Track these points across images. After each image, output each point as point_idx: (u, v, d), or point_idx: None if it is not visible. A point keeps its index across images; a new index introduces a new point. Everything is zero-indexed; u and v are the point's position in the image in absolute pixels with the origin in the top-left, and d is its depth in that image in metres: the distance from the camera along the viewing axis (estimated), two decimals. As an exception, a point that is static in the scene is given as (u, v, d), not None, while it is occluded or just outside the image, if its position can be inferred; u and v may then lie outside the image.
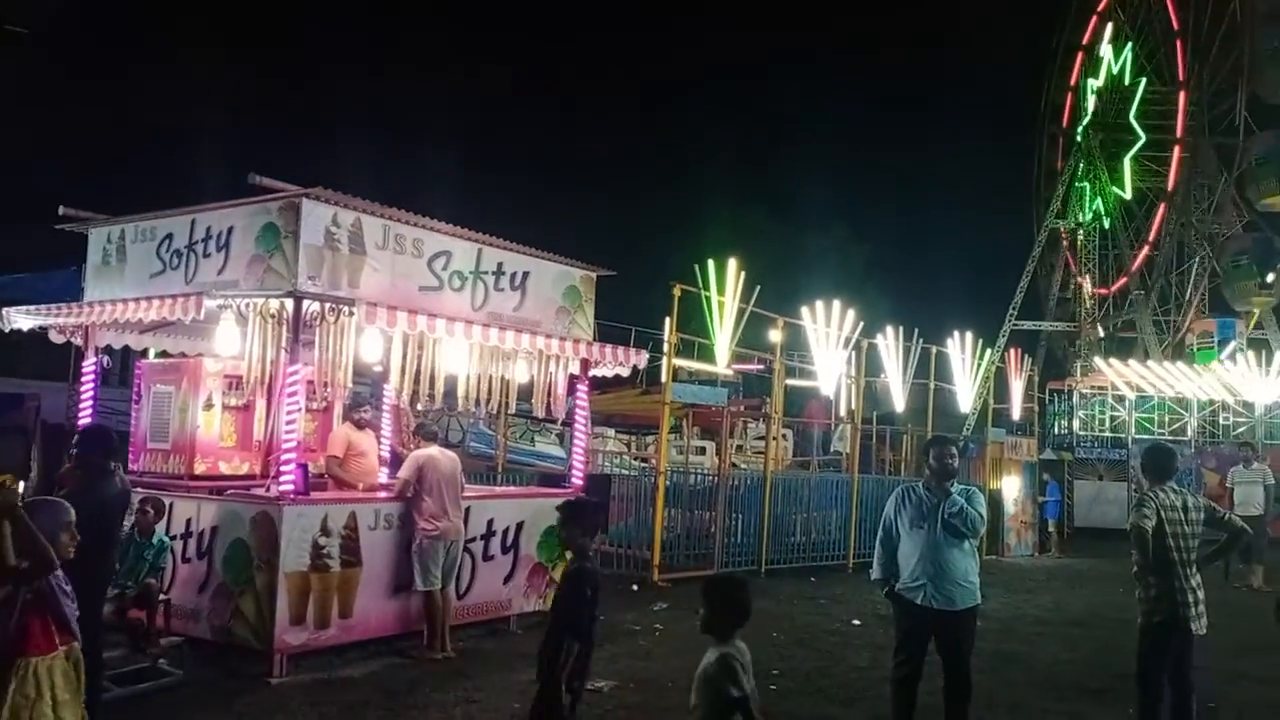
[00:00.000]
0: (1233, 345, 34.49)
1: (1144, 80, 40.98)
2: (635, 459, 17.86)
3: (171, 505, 7.61)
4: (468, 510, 8.52)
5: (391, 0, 55.99)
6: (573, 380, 9.87)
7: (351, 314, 7.40)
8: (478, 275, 8.69)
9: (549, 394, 9.60)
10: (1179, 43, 40.20)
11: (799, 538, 14.78)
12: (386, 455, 10.07)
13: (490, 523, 8.87)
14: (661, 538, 12.40)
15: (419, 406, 9.37)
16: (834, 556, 14.92)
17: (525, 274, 9.16)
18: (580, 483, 9.95)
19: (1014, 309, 39.95)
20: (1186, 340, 37.57)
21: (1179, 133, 39.66)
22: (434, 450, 8.33)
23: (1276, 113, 35.67)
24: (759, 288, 14.98)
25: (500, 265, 8.92)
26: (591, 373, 9.98)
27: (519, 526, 9.10)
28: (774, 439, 16.53)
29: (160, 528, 7.29)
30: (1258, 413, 25.84)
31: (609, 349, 9.81)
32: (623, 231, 43.64)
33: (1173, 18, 40.54)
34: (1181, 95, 39.65)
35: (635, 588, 11.65)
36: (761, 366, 18.65)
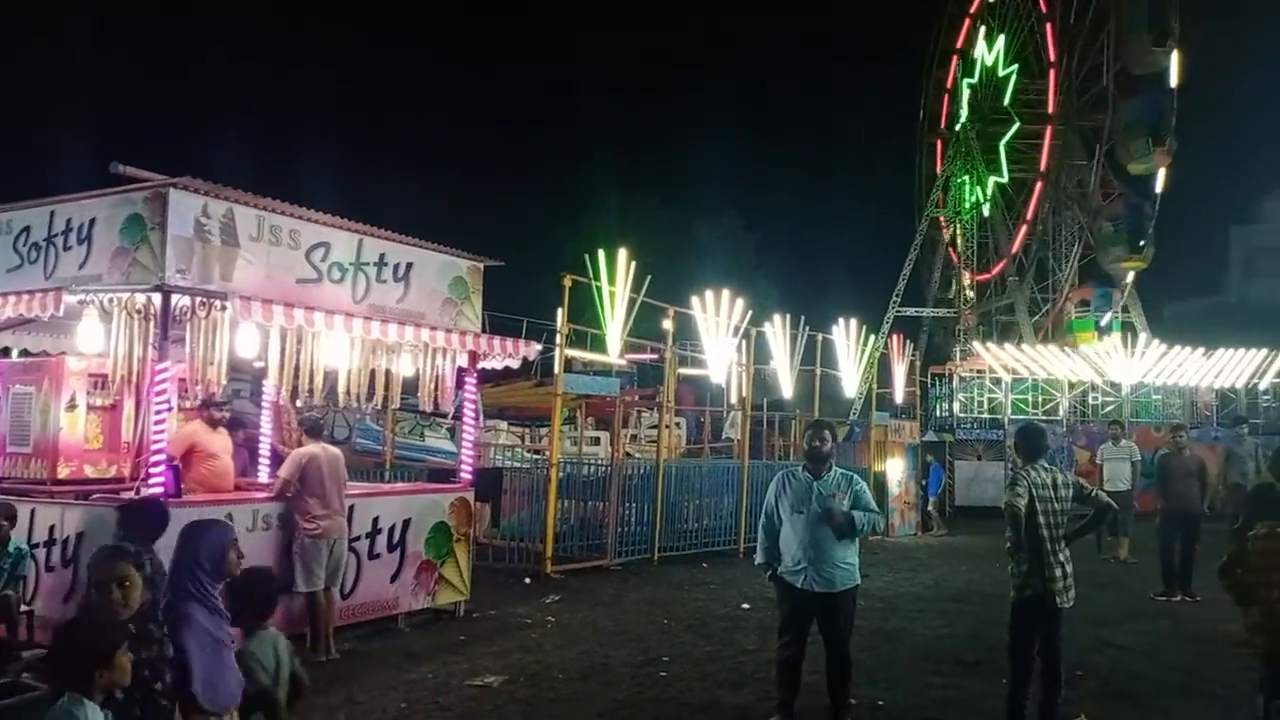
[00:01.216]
0: (1109, 315, 36.21)
1: (1016, 67, 42.72)
2: (529, 451, 17.76)
3: (33, 511, 7.22)
4: (351, 508, 8.33)
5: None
6: (461, 373, 9.73)
7: (224, 308, 7.14)
8: (359, 267, 8.49)
9: (436, 387, 9.43)
10: (1049, 25, 41.92)
11: (692, 524, 14.94)
12: (266, 454, 9.78)
13: (376, 520, 8.69)
14: (555, 529, 12.36)
15: (298, 403, 9.09)
16: (726, 541, 15.12)
17: (409, 265, 8.98)
18: (469, 477, 9.84)
19: (897, 296, 41.28)
20: (1065, 311, 39.16)
21: (1051, 110, 41.34)
22: (316, 448, 8.11)
23: (1144, 84, 37.29)
24: (650, 277, 15.04)
25: (383, 256, 8.72)
26: (481, 365, 9.85)
27: (406, 524, 8.94)
28: (666, 427, 16.66)
29: (19, 536, 6.91)
30: (1124, 392, 27.20)
31: (498, 341, 9.70)
32: (516, 223, 43.39)
33: (1050, 46, 42.21)
34: (1052, 75, 41.36)
35: (528, 581, 11.59)
36: (654, 356, 18.75)
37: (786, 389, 18.29)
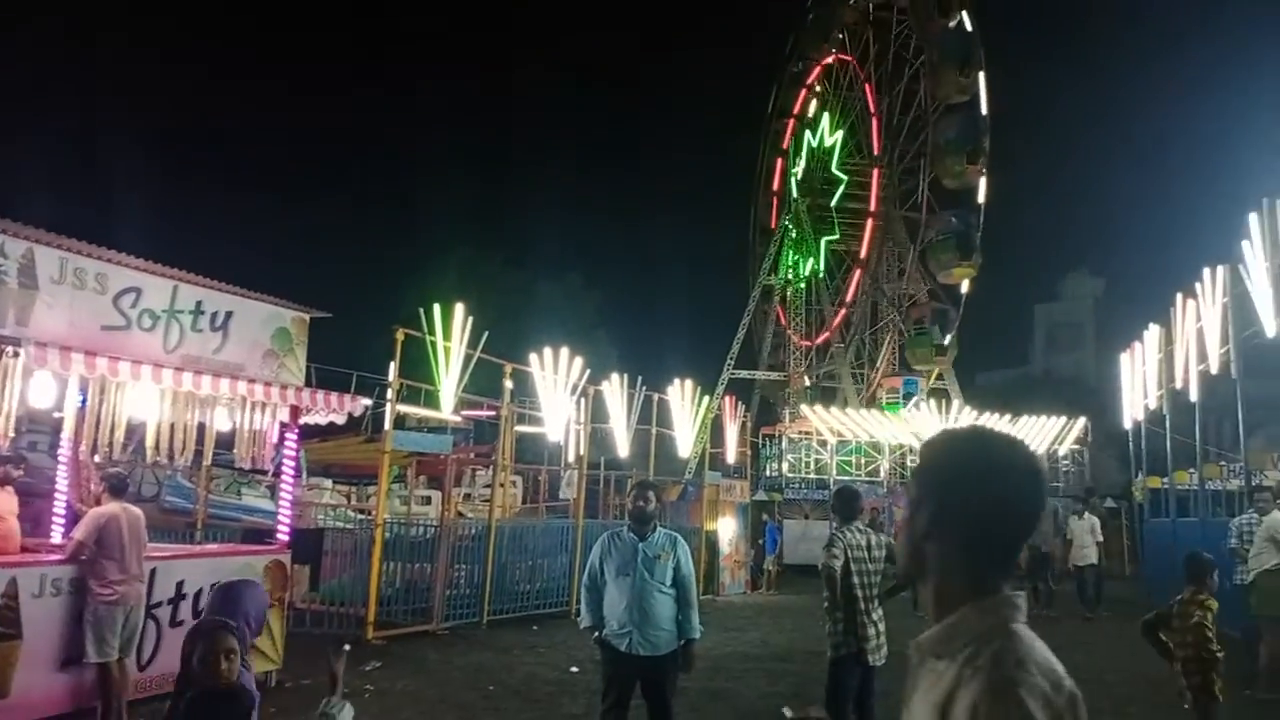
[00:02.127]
0: (915, 399, 38.44)
1: (840, 135, 45.37)
2: (355, 511, 17.11)
3: None
4: (154, 571, 7.78)
5: (102, 22, 51.62)
6: (283, 428, 9.31)
7: (18, 354, 6.61)
8: (173, 314, 8.05)
9: (255, 443, 8.99)
10: (875, 121, 44.85)
11: (524, 586, 14.69)
12: (63, 513, 9.03)
13: (180, 585, 8.14)
14: (378, 593, 11.90)
15: (97, 458, 8.46)
16: (559, 603, 14.95)
17: (228, 314, 8.59)
18: (287, 538, 9.37)
19: (731, 359, 42.41)
20: (877, 395, 41.42)
21: (872, 206, 44.07)
22: (116, 507, 7.53)
23: (958, 194, 40.30)
24: (487, 333, 14.92)
25: (199, 304, 8.31)
26: (304, 420, 9.47)
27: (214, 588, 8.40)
28: (501, 486, 16.42)
29: None
30: (939, 455, 28.73)
31: (322, 395, 9.35)
32: (352, 274, 42.31)
33: (870, 100, 45.24)
34: (876, 172, 44.14)
35: (348, 647, 11.05)
36: (492, 413, 18.52)
37: (623, 448, 18.41)
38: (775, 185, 50.47)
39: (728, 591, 18.80)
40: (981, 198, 39.23)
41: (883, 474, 28.29)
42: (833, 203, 44.54)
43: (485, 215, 56.21)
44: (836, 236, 44.85)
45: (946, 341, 39.40)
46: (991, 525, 1.52)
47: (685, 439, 20.20)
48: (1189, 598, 6.19)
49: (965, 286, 39.83)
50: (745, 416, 24.46)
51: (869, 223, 44.22)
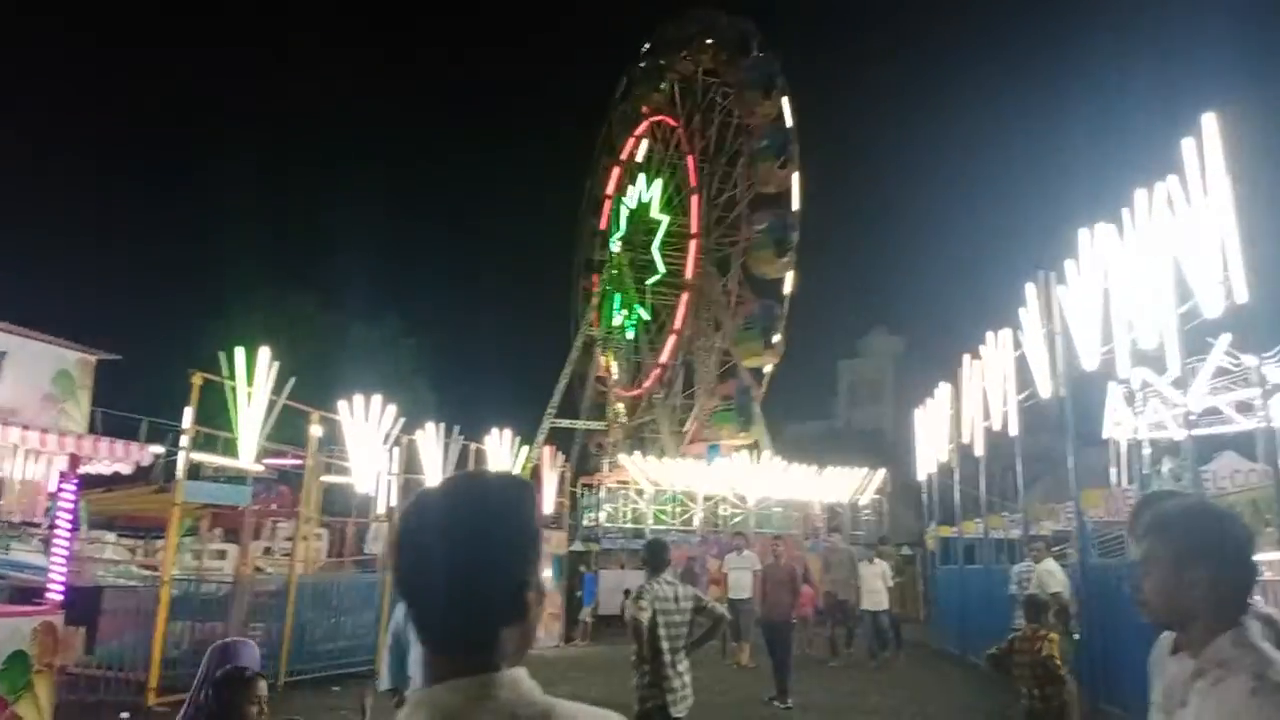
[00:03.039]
0: (717, 460, 40.01)
1: (661, 182, 46.81)
2: (141, 566, 15.89)
3: None
4: (-105, 639, 6.95)
5: None
6: (62, 478, 8.58)
7: None
8: (-68, 353, 7.32)
9: (27, 494, 8.24)
10: (695, 198, 46.41)
11: (325, 644, 14.01)
12: None
13: (-71, 653, 7.31)
14: (163, 655, 11.05)
15: None
16: (363, 662, 14.31)
17: (2, 354, 7.89)
18: (60, 597, 8.59)
19: (553, 408, 42.42)
20: (708, 409, 42.77)
21: (689, 275, 45.54)
22: None
23: (774, 199, 42.54)
24: (294, 379, 14.31)
25: (-34, 343, 7.60)
26: (87, 469, 8.76)
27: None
28: (304, 539, 15.66)
29: None
30: (750, 504, 29.55)
31: (105, 443, 8.68)
32: (152, 317, 39.82)
33: (691, 174, 46.75)
34: (694, 244, 45.65)
35: (125, 716, 10.22)
36: (297, 462, 17.71)
37: (436, 499, 17.95)
38: (602, 221, 51.23)
39: (542, 643, 18.57)
40: (788, 289, 42.11)
41: (696, 523, 28.80)
42: (649, 281, 45.99)
43: (295, 255, 54.28)
44: (648, 318, 46.19)
45: (775, 339, 41.31)
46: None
47: (502, 489, 19.89)
48: (1030, 634, 7.06)
49: (788, 286, 42.12)
50: (565, 466, 24.43)
51: (684, 295, 45.69)
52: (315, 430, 15.20)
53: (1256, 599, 2.45)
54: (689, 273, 45.67)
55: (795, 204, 41.61)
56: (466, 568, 1.35)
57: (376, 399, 16.09)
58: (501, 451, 19.68)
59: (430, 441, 17.62)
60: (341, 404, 15.79)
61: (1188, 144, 8.99)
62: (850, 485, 30.79)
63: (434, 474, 17.67)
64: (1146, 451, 16.33)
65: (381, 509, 17.97)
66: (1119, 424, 17.59)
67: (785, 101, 41.96)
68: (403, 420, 16.58)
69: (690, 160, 46.59)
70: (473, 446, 18.70)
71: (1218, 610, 2.09)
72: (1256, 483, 12.82)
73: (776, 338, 41.57)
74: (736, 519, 29.84)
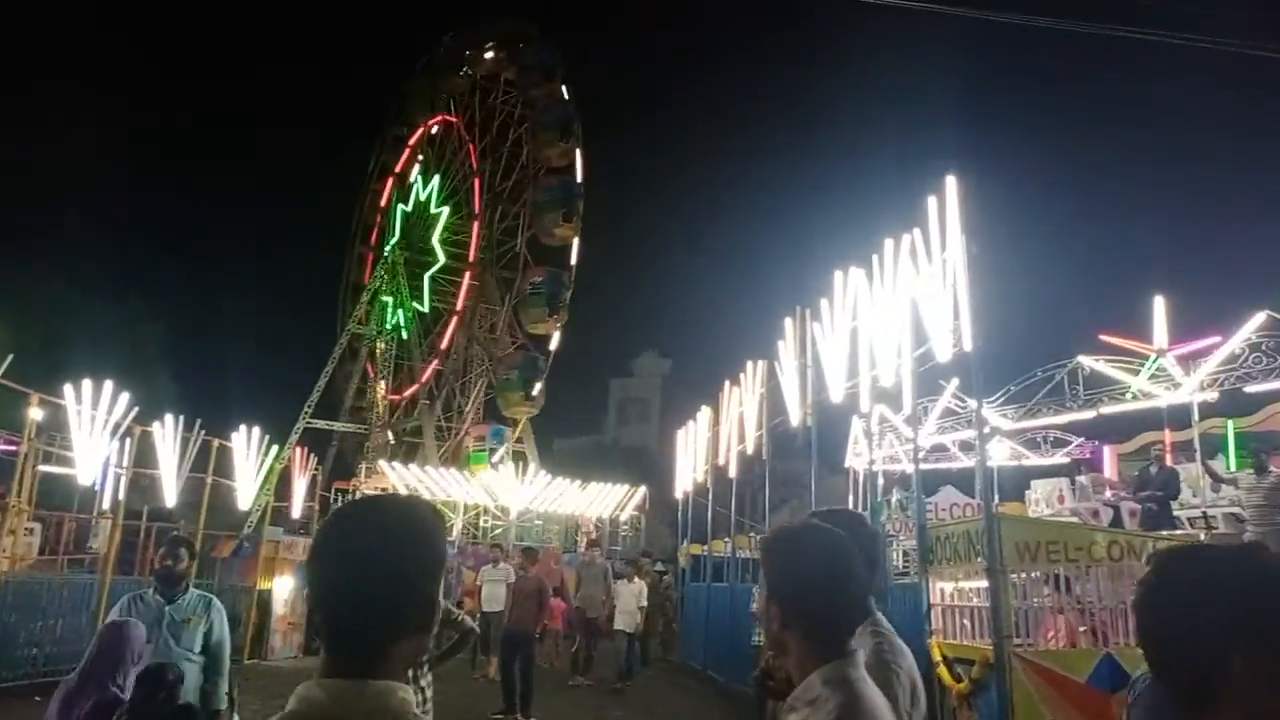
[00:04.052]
0: (502, 450, 39.51)
1: (447, 209, 45.94)
2: None
3: None
4: None
5: None
6: None
7: None
8: None
9: None
10: (476, 181, 45.96)
11: (30, 650, 12.66)
12: None
13: None
14: None
15: None
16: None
17: None
18: None
19: (309, 408, 40.51)
20: (464, 444, 41.86)
21: (471, 258, 44.91)
22: None
23: (553, 253, 42.70)
24: (11, 357, 12.88)
25: None
26: None
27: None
28: (12, 533, 14.11)
29: None
30: (512, 516, 29.44)
31: None
32: None
33: (473, 160, 46.37)
34: (475, 226, 45.13)
35: None
36: (10, 448, 15.97)
37: (171, 497, 16.68)
38: (372, 240, 49.82)
39: (278, 655, 17.59)
40: (574, 259, 42.35)
41: (454, 533, 28.32)
42: (428, 274, 45.16)
43: (25, 220, 48.92)
44: (426, 310, 45.25)
45: (535, 391, 41.23)
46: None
47: (247, 491, 18.78)
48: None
49: (554, 343, 42.10)
50: (318, 470, 23.37)
51: (466, 275, 44.97)
52: (35, 414, 13.74)
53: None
54: (471, 254, 45.17)
55: (579, 175, 42.15)
56: (378, 582, 1.48)
57: (108, 385, 14.73)
58: (248, 451, 18.52)
59: (168, 435, 16.33)
60: (67, 388, 14.35)
61: (931, 201, 9.80)
62: (612, 501, 31.31)
63: (169, 469, 16.40)
64: (880, 482, 17.58)
65: (107, 503, 16.51)
66: (859, 455, 18.84)
67: (565, 89, 42.77)
68: (137, 409, 15.27)
69: (471, 149, 46.44)
70: (215, 443, 17.48)
71: (807, 643, 1.97)
72: (971, 516, 14.07)
73: (536, 389, 41.87)
74: (497, 531, 29.61)
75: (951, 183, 9.40)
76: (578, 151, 42.32)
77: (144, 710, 4.25)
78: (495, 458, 38.47)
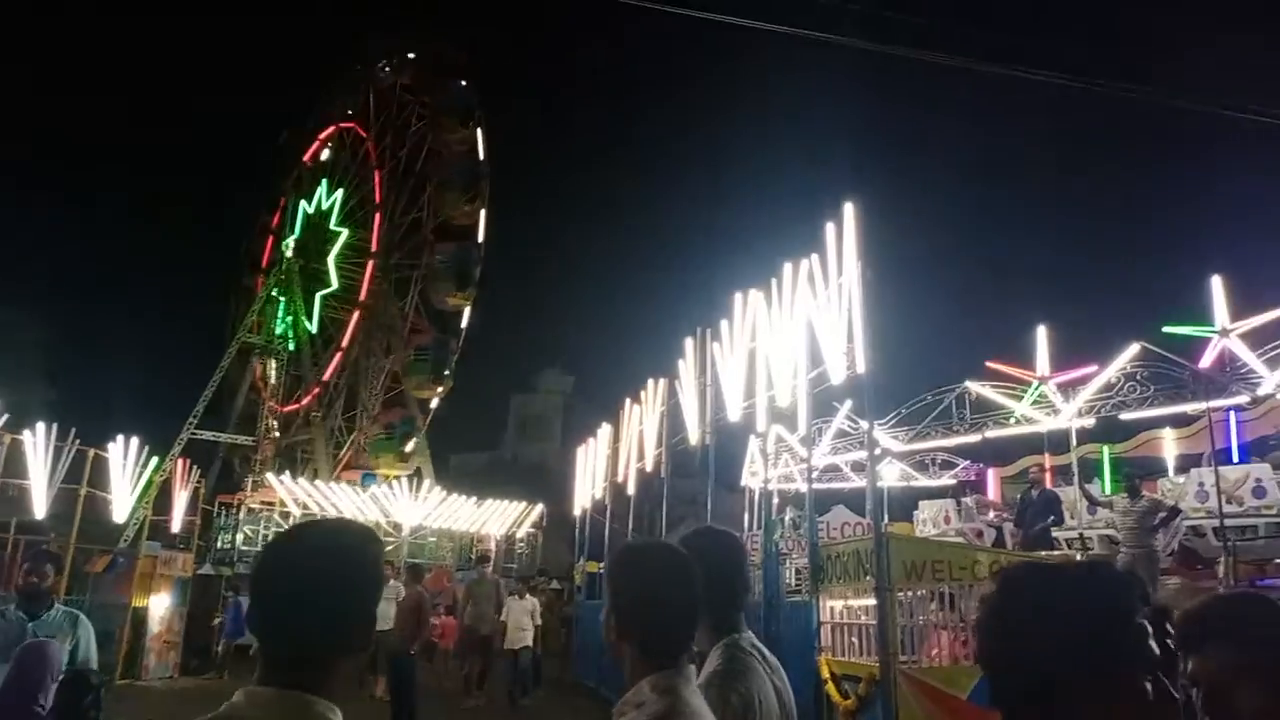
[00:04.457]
0: (414, 441, 39.21)
1: (347, 231, 44.99)
2: None
3: None
4: None
5: None
6: None
7: None
8: None
9: None
10: (378, 215, 45.07)
11: None
12: None
13: None
14: None
15: None
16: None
17: None
18: None
19: (194, 418, 38.98)
20: (369, 434, 41.33)
21: (362, 296, 44.08)
22: None
23: (460, 231, 42.32)
24: None
25: None
26: None
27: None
28: None
29: None
30: (405, 532, 28.83)
31: None
32: None
33: (377, 191, 45.39)
34: (370, 264, 44.30)
35: None
36: None
37: (41, 508, 15.83)
38: (264, 257, 48.46)
39: (153, 674, 16.81)
40: (465, 322, 42.59)
41: (345, 550, 27.59)
42: (320, 293, 44.18)
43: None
44: (314, 330, 44.22)
45: (446, 372, 40.89)
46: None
47: (124, 503, 17.94)
48: None
49: (465, 320, 41.91)
50: (200, 482, 22.49)
51: (356, 313, 44.12)
52: None
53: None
54: (364, 292, 44.20)
55: (480, 237, 41.91)
56: (319, 602, 1.59)
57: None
58: (125, 461, 17.72)
59: (39, 443, 15.51)
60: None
61: (830, 228, 10.03)
62: (508, 518, 30.99)
63: (39, 479, 15.58)
64: (775, 500, 17.83)
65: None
66: (754, 474, 19.10)
67: (480, 135, 42.28)
68: (6, 417, 14.48)
69: (377, 176, 45.30)
70: (91, 453, 16.67)
71: (640, 653, 2.07)
72: (861, 535, 14.38)
73: (447, 371, 41.29)
74: (389, 547, 28.96)
75: (850, 210, 9.64)
76: (482, 212, 42.07)
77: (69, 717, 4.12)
78: (408, 447, 38.01)
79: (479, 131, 42.33)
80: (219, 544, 27.17)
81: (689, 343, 15.07)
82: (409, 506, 28.87)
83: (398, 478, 36.38)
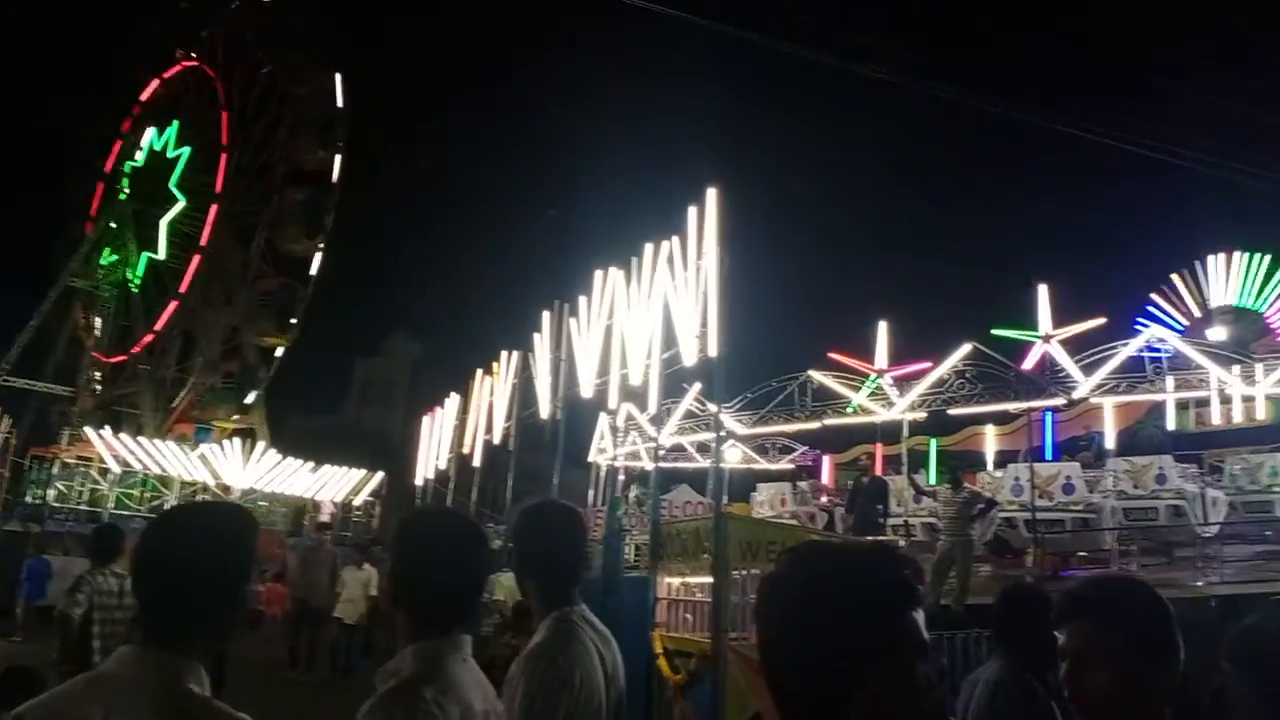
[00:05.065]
0: (255, 393, 37.48)
1: (188, 150, 42.32)
2: None
3: None
4: None
5: None
6: None
7: None
8: None
9: None
10: (224, 156, 42.44)
11: None
12: None
13: None
14: None
15: None
16: None
17: None
18: None
19: (8, 364, 36.18)
20: (207, 385, 39.20)
21: (203, 241, 41.40)
22: None
23: (313, 175, 40.54)
24: None
25: None
26: None
27: None
28: None
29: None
30: (234, 495, 27.68)
31: None
32: None
33: (224, 133, 42.66)
34: (214, 208, 41.65)
35: None
36: None
37: None
38: (107, 167, 44.64)
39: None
40: (314, 270, 40.46)
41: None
42: (165, 219, 41.47)
43: None
44: (163, 257, 41.51)
45: (293, 321, 39.21)
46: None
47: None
48: (508, 640, 7.65)
49: (314, 267, 40.23)
50: (11, 432, 20.96)
51: (195, 259, 41.49)
52: None
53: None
54: (204, 238, 41.63)
55: (334, 178, 40.42)
56: (195, 580, 1.79)
57: None
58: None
59: None
60: None
61: (692, 211, 10.16)
62: (347, 484, 30.21)
63: None
64: (621, 477, 18.03)
65: None
66: (603, 450, 19.25)
67: (339, 80, 40.65)
68: None
69: (224, 117, 42.69)
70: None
71: (412, 621, 2.09)
72: (703, 514, 14.73)
73: (294, 319, 39.62)
74: (217, 509, 27.77)
75: (712, 195, 9.78)
76: (337, 159, 40.64)
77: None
78: (249, 399, 36.32)
79: (338, 77, 40.58)
80: (29, 498, 25.36)
81: (546, 316, 15.00)
82: (240, 469, 27.73)
83: (233, 434, 34.84)
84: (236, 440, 30.64)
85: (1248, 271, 27.76)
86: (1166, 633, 1.73)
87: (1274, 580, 10.24)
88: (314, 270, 40.23)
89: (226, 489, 27.65)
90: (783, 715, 1.33)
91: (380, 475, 32.02)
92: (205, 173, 42.39)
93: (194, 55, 44.46)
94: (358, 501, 31.52)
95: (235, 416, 37.82)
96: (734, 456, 19.37)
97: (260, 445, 30.65)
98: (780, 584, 1.38)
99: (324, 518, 29.80)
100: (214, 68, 43.89)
